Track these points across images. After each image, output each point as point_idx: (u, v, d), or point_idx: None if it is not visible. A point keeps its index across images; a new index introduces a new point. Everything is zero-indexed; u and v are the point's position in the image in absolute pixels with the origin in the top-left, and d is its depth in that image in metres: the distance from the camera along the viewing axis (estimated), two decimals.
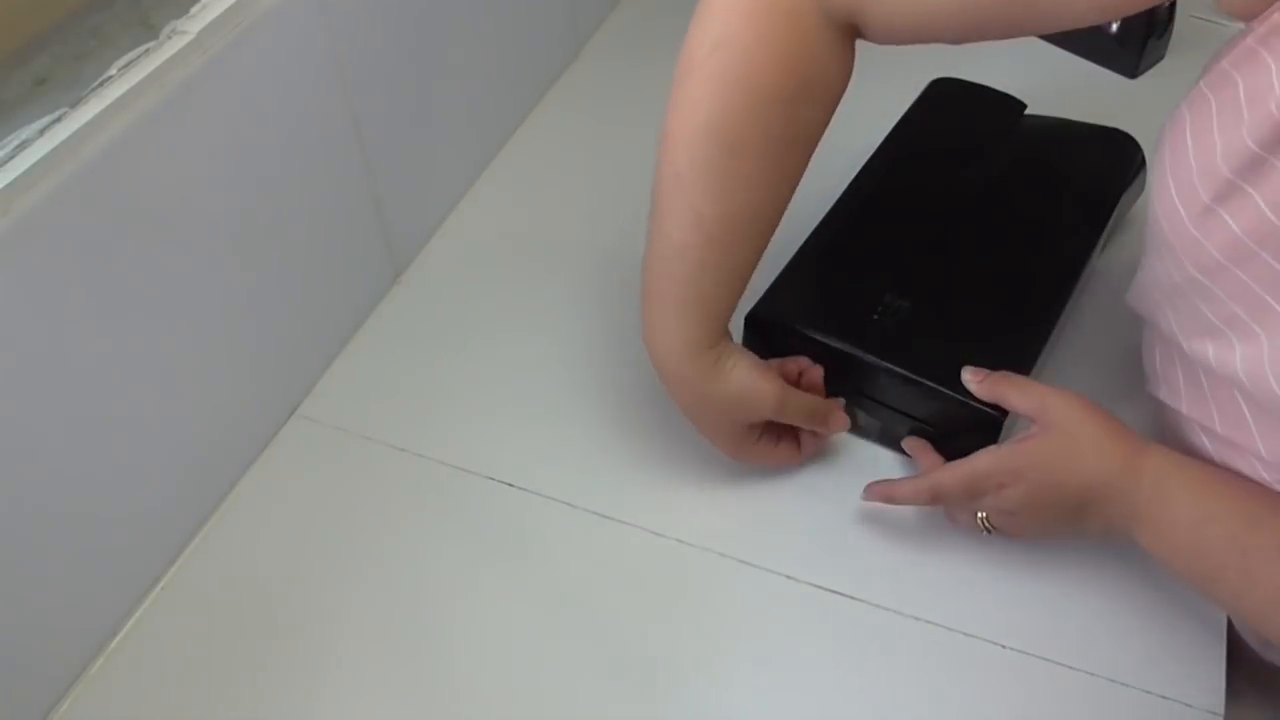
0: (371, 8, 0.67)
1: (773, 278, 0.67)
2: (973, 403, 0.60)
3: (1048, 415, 0.56)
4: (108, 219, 0.51)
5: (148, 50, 0.53)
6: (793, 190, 0.60)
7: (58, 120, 0.49)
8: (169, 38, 0.54)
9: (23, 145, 0.47)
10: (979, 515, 0.59)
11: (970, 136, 0.76)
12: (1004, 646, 0.59)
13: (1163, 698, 0.56)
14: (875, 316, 0.64)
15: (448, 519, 0.65)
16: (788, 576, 0.62)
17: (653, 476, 0.67)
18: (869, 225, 0.70)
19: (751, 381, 0.59)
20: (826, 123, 0.60)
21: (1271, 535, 0.51)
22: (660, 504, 0.65)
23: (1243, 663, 0.62)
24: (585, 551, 0.63)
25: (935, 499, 0.60)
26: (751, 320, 0.65)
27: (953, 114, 0.78)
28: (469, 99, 0.83)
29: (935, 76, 0.81)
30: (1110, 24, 0.93)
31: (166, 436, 0.60)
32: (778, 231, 0.61)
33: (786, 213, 0.61)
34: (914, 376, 0.62)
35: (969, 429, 0.61)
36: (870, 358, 0.63)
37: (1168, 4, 0.91)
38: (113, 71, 0.51)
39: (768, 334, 0.65)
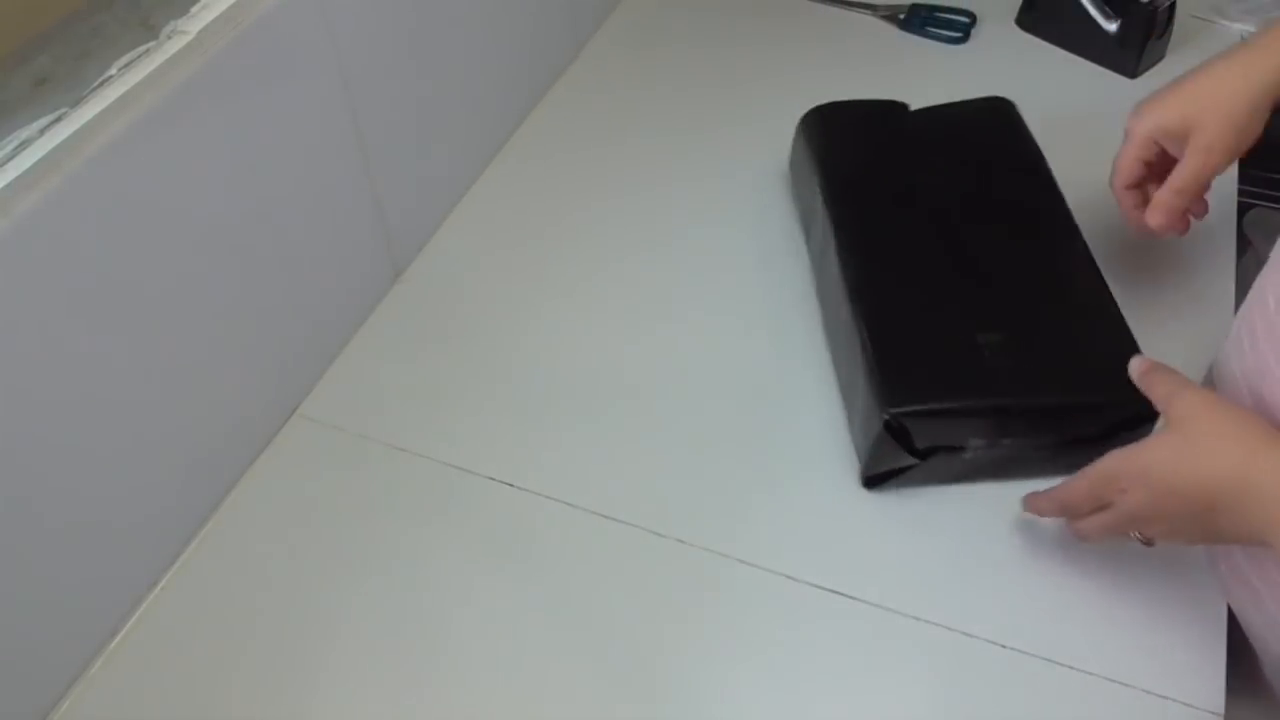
0: (371, 8, 0.67)
1: (860, 382, 0.64)
2: (1120, 402, 0.59)
3: (1172, 410, 0.53)
4: (108, 219, 0.51)
5: (148, 50, 0.53)
6: None
7: (58, 120, 0.49)
8: (169, 38, 0.54)
9: (23, 145, 0.47)
10: (1133, 535, 0.56)
11: (896, 153, 0.76)
12: (1004, 646, 0.59)
13: (1163, 698, 0.56)
14: (987, 357, 0.63)
15: (448, 519, 0.65)
16: (788, 576, 0.62)
17: (653, 476, 0.67)
18: (898, 280, 0.68)
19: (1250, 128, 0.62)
20: None
21: None
22: (660, 504, 0.65)
23: (1243, 663, 0.62)
24: (585, 551, 0.63)
25: (1065, 510, 0.58)
26: (892, 426, 0.61)
27: (857, 138, 0.78)
28: (469, 99, 0.83)
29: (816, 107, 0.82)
30: (1110, 24, 0.93)
31: (166, 436, 0.60)
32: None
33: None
34: (1068, 400, 0.62)
35: (1124, 429, 0.60)
36: (1024, 399, 0.62)
37: (1168, 4, 0.91)
38: (113, 71, 0.51)
39: (911, 431, 0.61)
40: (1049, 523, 0.63)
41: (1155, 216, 0.65)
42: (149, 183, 0.53)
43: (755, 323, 0.75)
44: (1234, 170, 0.85)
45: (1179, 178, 0.64)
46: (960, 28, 1.00)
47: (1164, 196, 0.65)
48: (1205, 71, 0.63)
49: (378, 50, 0.69)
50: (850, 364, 0.67)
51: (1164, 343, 0.67)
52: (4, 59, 0.49)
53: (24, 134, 0.48)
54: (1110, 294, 0.66)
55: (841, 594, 0.61)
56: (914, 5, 1.02)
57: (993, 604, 0.60)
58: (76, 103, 0.50)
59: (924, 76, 0.95)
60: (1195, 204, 0.66)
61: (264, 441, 0.69)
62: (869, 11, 1.03)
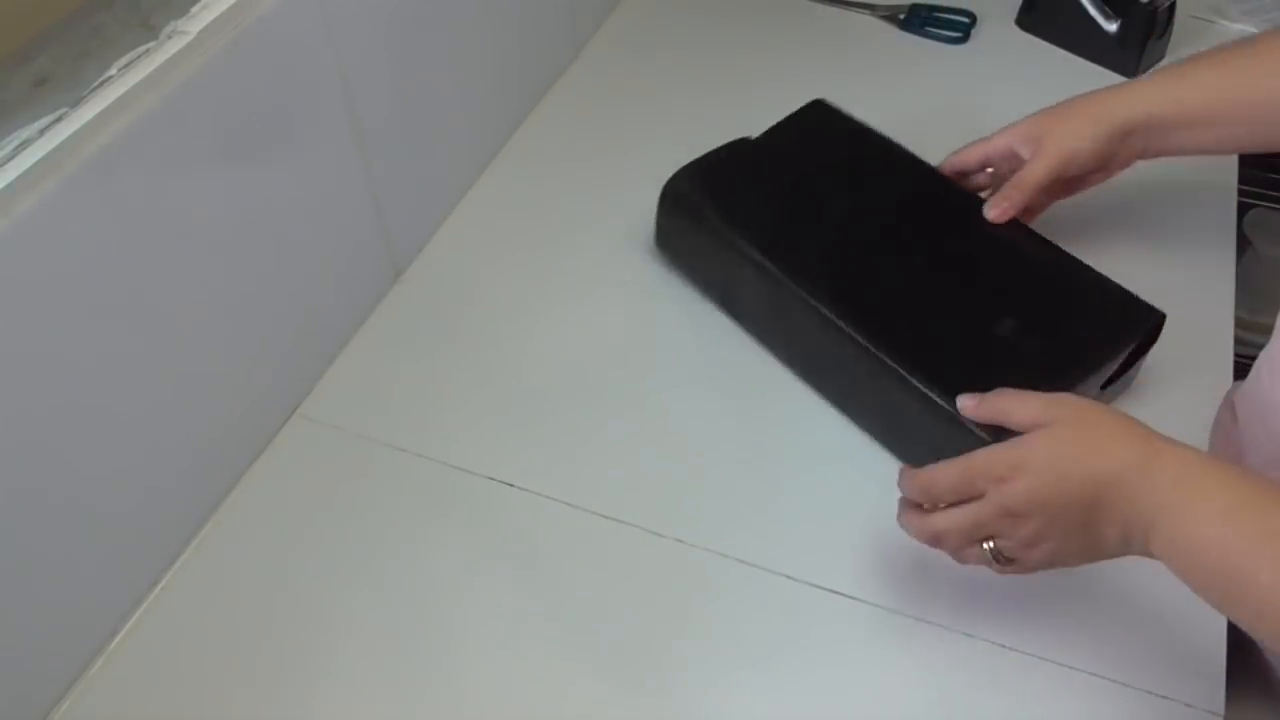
0: (371, 8, 0.67)
1: (904, 406, 0.63)
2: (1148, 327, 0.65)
3: (1054, 413, 0.52)
4: (108, 219, 0.51)
5: (148, 50, 0.53)
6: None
7: (58, 120, 0.49)
8: (169, 38, 0.54)
9: (23, 145, 0.47)
10: (986, 545, 0.54)
11: (779, 187, 0.75)
12: (1004, 646, 0.59)
13: (1163, 698, 0.56)
14: (1016, 343, 0.64)
15: (448, 519, 0.65)
16: (788, 576, 0.62)
17: (653, 476, 0.67)
18: (885, 303, 0.67)
19: (1082, 151, 0.69)
20: None
21: None
22: (660, 504, 0.65)
23: (1243, 663, 0.61)
24: (585, 551, 0.63)
25: (924, 492, 0.55)
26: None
27: (733, 186, 0.76)
28: (469, 99, 0.83)
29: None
30: (1110, 24, 0.93)
31: (166, 436, 0.60)
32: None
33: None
34: (1115, 349, 0.64)
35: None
36: (1080, 367, 0.63)
37: (1167, 4, 0.91)
38: (113, 71, 0.51)
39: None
40: None
41: (993, 210, 0.70)
42: (149, 183, 0.53)
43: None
44: (1234, 170, 0.85)
45: (1018, 180, 0.70)
46: (960, 28, 1.00)
47: (1007, 194, 0.70)
48: (1075, 102, 0.71)
49: (377, 51, 0.69)
50: (878, 401, 0.66)
51: (1163, 342, 0.67)
52: (4, 59, 0.49)
53: (24, 134, 0.48)
54: (1062, 252, 0.69)
55: (841, 594, 0.61)
56: (914, 5, 1.02)
57: (993, 604, 0.60)
58: (76, 103, 0.50)
59: (924, 76, 0.95)
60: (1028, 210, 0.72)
61: (264, 441, 0.69)
62: (869, 11, 1.03)
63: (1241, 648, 0.62)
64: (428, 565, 0.63)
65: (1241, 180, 0.85)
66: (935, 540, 0.55)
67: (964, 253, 0.70)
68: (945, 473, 0.54)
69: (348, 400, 0.72)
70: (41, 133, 0.48)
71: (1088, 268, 0.68)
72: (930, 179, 0.74)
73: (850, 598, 0.61)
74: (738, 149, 0.77)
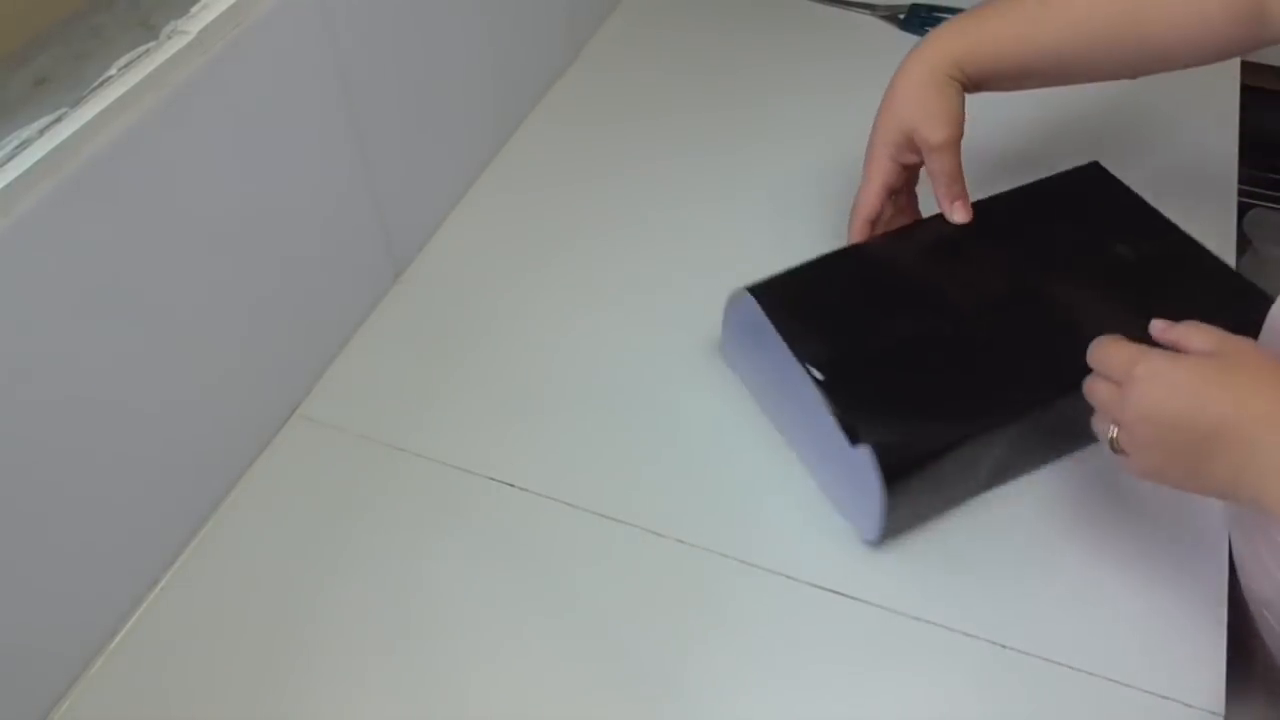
0: (371, 8, 0.67)
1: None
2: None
3: (1222, 346, 0.52)
4: (108, 219, 0.51)
5: (148, 50, 0.53)
6: (1118, 48, 0.68)
7: (58, 120, 0.49)
8: (169, 38, 0.54)
9: (23, 145, 0.47)
10: (1110, 431, 0.54)
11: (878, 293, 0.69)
12: (1004, 646, 0.59)
13: (1163, 698, 0.56)
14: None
15: (448, 519, 0.65)
16: (788, 576, 0.62)
17: (653, 476, 0.67)
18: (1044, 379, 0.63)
19: (951, 109, 0.68)
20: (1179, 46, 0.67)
21: None
22: (660, 504, 0.65)
23: (1243, 663, 0.61)
24: (585, 551, 0.63)
25: (1097, 363, 0.56)
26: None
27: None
28: (469, 99, 0.83)
29: None
30: None
31: (166, 436, 0.60)
32: None
33: None
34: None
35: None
36: None
37: None
38: (113, 71, 0.51)
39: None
40: (1049, 522, 0.63)
41: (959, 214, 0.71)
42: (149, 183, 0.53)
43: None
44: (1234, 170, 0.85)
45: (942, 177, 0.69)
46: None
47: (951, 192, 0.70)
48: (894, 82, 0.70)
49: (377, 50, 0.69)
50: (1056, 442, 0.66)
51: None
52: (4, 59, 0.49)
53: (24, 134, 0.48)
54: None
55: (841, 594, 0.61)
56: (914, 5, 1.02)
57: (993, 604, 0.60)
58: (76, 103, 0.50)
59: None
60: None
61: (264, 441, 0.69)
62: (869, 11, 1.03)
63: (1241, 648, 0.62)
64: (427, 565, 0.63)
65: (1241, 180, 0.85)
66: (1089, 395, 0.57)
67: (1061, 293, 0.67)
68: (1114, 351, 0.55)
69: (348, 400, 0.72)
70: (41, 133, 0.48)
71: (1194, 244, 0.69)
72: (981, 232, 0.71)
73: (850, 598, 0.61)
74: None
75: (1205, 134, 0.88)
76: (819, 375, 0.61)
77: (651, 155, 0.89)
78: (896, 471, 0.58)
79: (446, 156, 0.83)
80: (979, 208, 0.71)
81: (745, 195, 0.85)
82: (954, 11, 1.00)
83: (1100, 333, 0.57)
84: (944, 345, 0.64)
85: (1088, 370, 0.57)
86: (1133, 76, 0.70)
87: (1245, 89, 0.91)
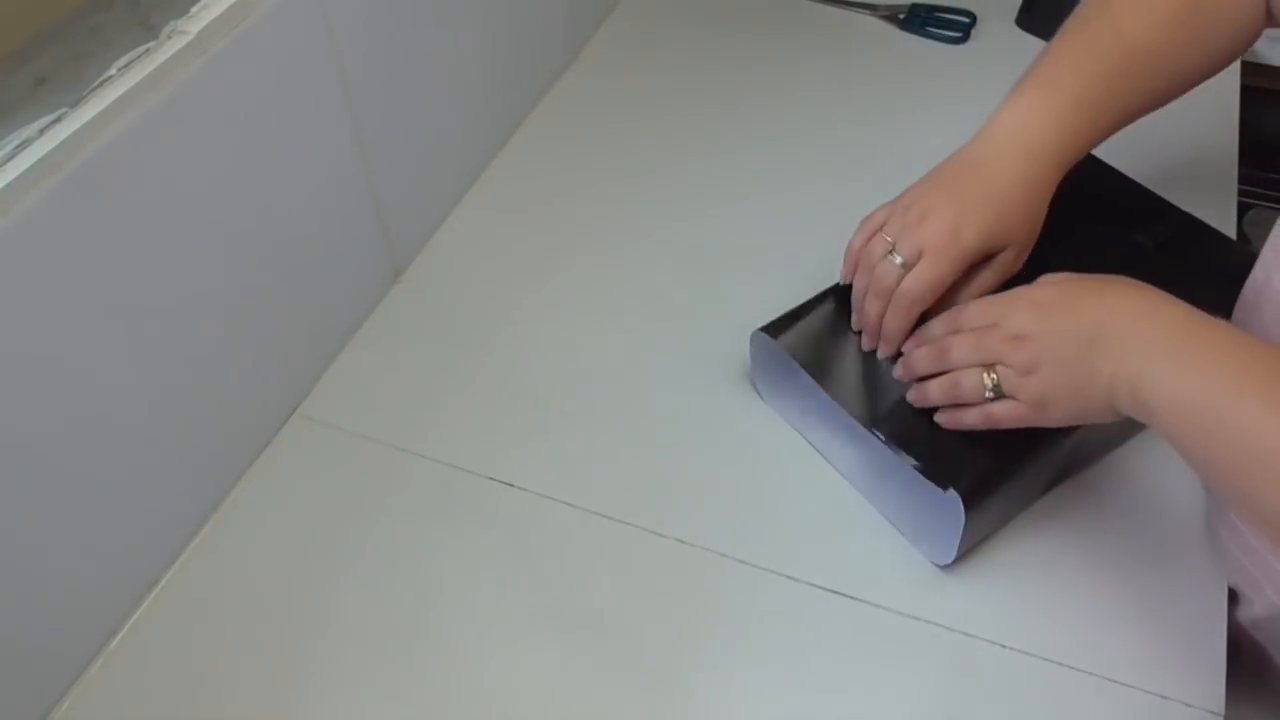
0: (371, 8, 0.67)
1: None
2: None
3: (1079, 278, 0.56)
4: (108, 219, 0.51)
5: (148, 50, 0.53)
6: (1191, 76, 0.64)
7: (58, 120, 0.49)
8: (169, 38, 0.54)
9: (23, 145, 0.47)
10: (989, 377, 0.55)
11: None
12: (1004, 646, 0.59)
13: (1163, 698, 0.56)
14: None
15: (448, 519, 0.65)
16: (788, 576, 0.62)
17: (653, 476, 0.67)
18: None
19: (1040, 224, 0.62)
20: (1226, 48, 0.63)
21: None
22: (660, 504, 0.65)
23: (1242, 663, 0.61)
24: (585, 551, 0.63)
25: (955, 325, 0.58)
26: None
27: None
28: (469, 99, 0.83)
29: None
30: None
31: (166, 436, 0.60)
32: None
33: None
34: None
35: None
36: None
37: None
38: (113, 71, 0.51)
39: None
40: (1049, 523, 0.63)
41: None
42: (149, 183, 0.53)
43: (757, 322, 0.75)
44: (1234, 170, 0.85)
45: (981, 288, 0.63)
46: (960, 28, 1.00)
47: (974, 294, 0.63)
48: (1007, 184, 0.61)
49: (377, 51, 0.69)
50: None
51: None
52: (4, 59, 0.49)
53: (24, 134, 0.48)
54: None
55: (841, 594, 0.61)
56: (914, 5, 1.02)
57: (993, 604, 0.60)
58: (76, 103, 0.50)
59: (924, 77, 0.95)
60: None
61: (264, 441, 0.69)
62: (869, 11, 1.03)
63: (1241, 648, 0.62)
64: (427, 565, 0.63)
65: (1241, 180, 0.85)
66: (942, 359, 0.58)
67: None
68: (972, 307, 0.58)
69: (348, 400, 0.72)
70: (41, 133, 0.48)
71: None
72: None
73: (850, 598, 0.61)
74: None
75: (1205, 134, 0.88)
76: (881, 436, 0.61)
77: (651, 155, 0.89)
78: (978, 508, 0.58)
79: (446, 156, 0.83)
80: None
81: (745, 195, 0.85)
82: (954, 11, 1.01)
83: None
84: None
85: None
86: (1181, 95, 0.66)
87: (1245, 89, 0.91)
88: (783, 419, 0.69)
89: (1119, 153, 0.75)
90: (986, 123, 0.64)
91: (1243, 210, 1.06)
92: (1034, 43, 0.98)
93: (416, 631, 0.60)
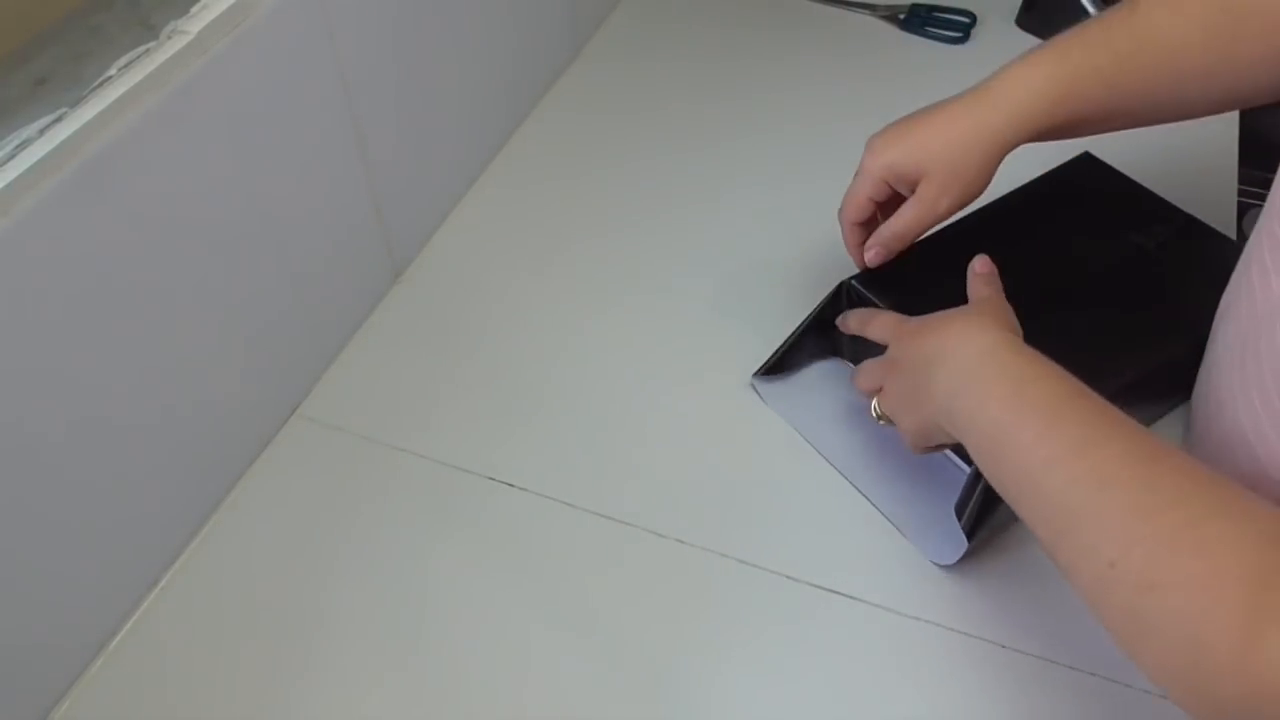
0: (371, 8, 0.67)
1: None
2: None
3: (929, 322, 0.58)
4: (108, 219, 0.51)
5: (148, 50, 0.53)
6: (1214, 82, 0.61)
7: (58, 120, 0.49)
8: (169, 38, 0.54)
9: (23, 145, 0.47)
10: (875, 404, 0.60)
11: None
12: (1004, 646, 0.59)
13: (1163, 698, 0.56)
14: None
15: (448, 519, 0.65)
16: (788, 576, 0.62)
17: (653, 476, 0.67)
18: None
19: (978, 184, 0.62)
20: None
21: (1094, 402, 0.48)
22: (660, 504, 0.65)
23: None
24: (585, 551, 0.63)
25: (863, 324, 0.63)
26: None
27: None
28: (469, 99, 0.83)
29: None
30: None
31: (166, 436, 0.60)
32: None
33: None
34: None
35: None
36: None
37: None
38: (113, 71, 0.51)
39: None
40: None
41: (872, 255, 0.66)
42: (149, 183, 0.53)
43: (758, 322, 0.75)
44: (1234, 170, 0.85)
45: (900, 222, 0.64)
46: (960, 28, 1.00)
47: (884, 236, 0.65)
48: (941, 118, 0.62)
49: (377, 51, 0.69)
50: None
51: None
52: (4, 59, 0.49)
53: (24, 134, 0.48)
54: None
55: (841, 594, 0.61)
56: (914, 5, 1.02)
57: (993, 604, 0.60)
58: (76, 103, 0.50)
59: (924, 77, 0.95)
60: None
61: (264, 441, 0.69)
62: (869, 11, 1.03)
63: None
64: (427, 565, 0.63)
65: (1241, 180, 0.85)
66: (861, 386, 0.62)
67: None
68: (880, 320, 0.62)
69: (348, 400, 0.72)
70: (41, 133, 0.48)
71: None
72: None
73: (850, 598, 0.61)
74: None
75: (1205, 134, 0.88)
76: (962, 462, 0.61)
77: (652, 155, 0.89)
78: (985, 509, 0.59)
79: (446, 156, 0.83)
80: (982, 216, 0.70)
81: (746, 195, 0.85)
82: (954, 11, 1.01)
83: (1145, 323, 0.62)
84: None
85: (1128, 368, 0.60)
86: (1220, 112, 0.64)
87: None
88: (783, 420, 0.69)
89: (1119, 152, 0.75)
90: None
91: (1243, 210, 1.05)
92: (1034, 43, 0.98)
93: (416, 631, 0.60)
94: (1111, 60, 0.60)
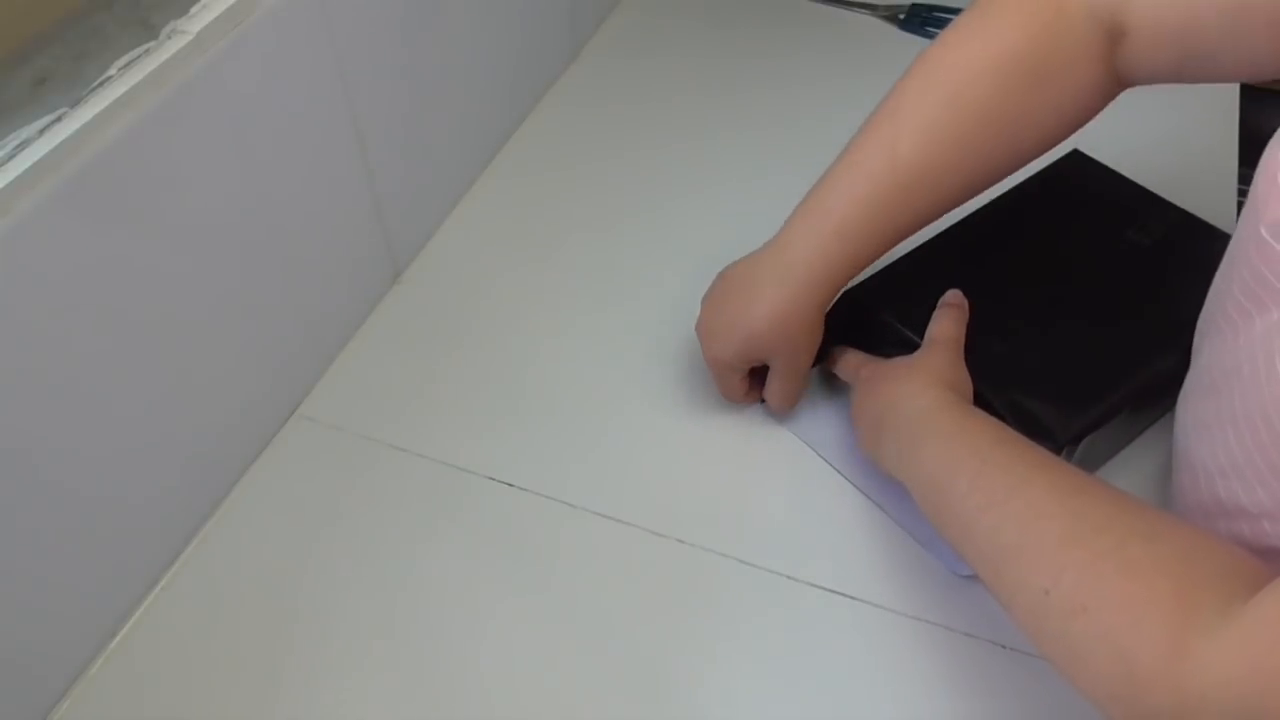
0: (371, 8, 0.67)
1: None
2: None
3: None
4: (108, 219, 0.51)
5: (148, 50, 0.53)
6: (982, 179, 0.62)
7: (58, 120, 0.49)
8: (169, 38, 0.54)
9: (23, 145, 0.47)
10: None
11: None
12: (1004, 646, 0.59)
13: None
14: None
15: (448, 519, 0.65)
16: (788, 576, 0.62)
17: (653, 476, 0.67)
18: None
19: (816, 341, 0.65)
20: (1055, 130, 0.62)
21: (1017, 451, 0.51)
22: (660, 504, 0.65)
23: None
24: (585, 551, 0.63)
25: (830, 361, 0.68)
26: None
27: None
28: (469, 99, 0.83)
29: None
30: None
31: (166, 436, 0.60)
32: None
33: None
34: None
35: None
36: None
37: None
38: (113, 71, 0.51)
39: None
40: None
41: (782, 412, 0.69)
42: (149, 183, 0.53)
43: None
44: (1234, 170, 0.85)
45: (778, 397, 0.67)
46: None
47: (775, 408, 0.68)
48: (758, 301, 0.63)
49: (378, 51, 0.69)
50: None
51: None
52: (4, 59, 0.49)
53: (24, 134, 0.48)
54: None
55: (841, 594, 0.61)
56: (914, 5, 1.02)
57: (993, 604, 0.60)
58: (76, 103, 0.50)
59: None
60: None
61: (264, 441, 0.69)
62: (869, 11, 1.03)
63: None
64: (427, 565, 0.63)
65: (1241, 180, 0.85)
66: (838, 373, 0.68)
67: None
68: (845, 360, 0.67)
69: (348, 400, 0.72)
70: (41, 133, 0.48)
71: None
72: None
73: (850, 598, 0.61)
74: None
75: (1205, 134, 0.88)
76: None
77: (653, 154, 0.89)
78: None
79: (446, 156, 0.83)
80: (975, 221, 0.70)
81: (747, 195, 0.85)
82: (954, 12, 1.01)
83: (1144, 325, 0.63)
84: (994, 371, 0.62)
85: (1132, 368, 0.62)
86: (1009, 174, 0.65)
87: (1245, 89, 0.91)
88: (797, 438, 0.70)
89: (1119, 152, 0.75)
90: (778, 232, 0.65)
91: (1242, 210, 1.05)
92: None
93: (416, 631, 0.60)
94: (877, 208, 0.61)
